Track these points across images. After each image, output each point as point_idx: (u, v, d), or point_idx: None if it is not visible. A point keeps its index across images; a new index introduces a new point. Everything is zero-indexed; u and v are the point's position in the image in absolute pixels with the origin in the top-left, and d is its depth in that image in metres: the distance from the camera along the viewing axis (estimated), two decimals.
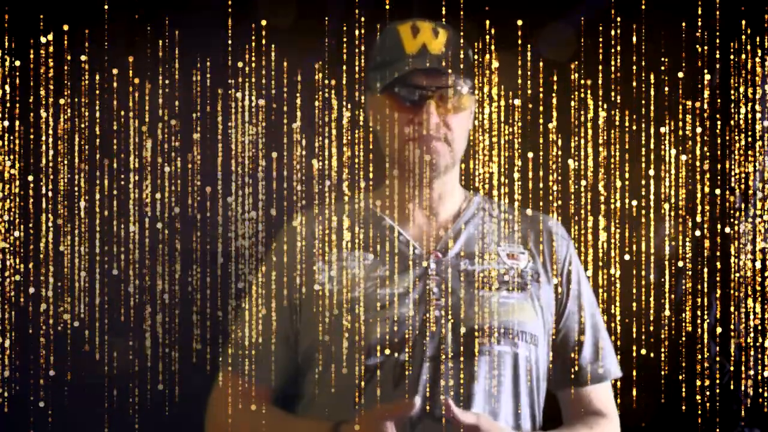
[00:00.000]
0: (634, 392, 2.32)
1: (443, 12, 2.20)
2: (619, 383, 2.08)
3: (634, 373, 2.32)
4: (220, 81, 2.38)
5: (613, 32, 2.40)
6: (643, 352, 2.38)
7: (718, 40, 2.38)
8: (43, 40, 2.33)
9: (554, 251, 1.97)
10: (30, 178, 2.39)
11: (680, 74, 2.39)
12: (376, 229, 1.95)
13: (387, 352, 1.83)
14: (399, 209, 1.97)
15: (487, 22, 2.18)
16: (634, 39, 2.36)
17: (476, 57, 2.05)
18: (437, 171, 1.91)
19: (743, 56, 2.39)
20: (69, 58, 2.35)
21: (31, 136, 2.38)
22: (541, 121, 2.42)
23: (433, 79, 1.89)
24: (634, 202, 2.40)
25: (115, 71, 2.36)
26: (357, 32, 2.29)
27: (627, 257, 2.41)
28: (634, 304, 2.42)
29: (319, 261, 1.93)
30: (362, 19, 2.37)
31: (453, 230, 1.96)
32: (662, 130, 2.40)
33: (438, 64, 1.89)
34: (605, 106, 2.40)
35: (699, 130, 2.41)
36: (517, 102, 2.28)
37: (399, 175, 1.95)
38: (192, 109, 2.41)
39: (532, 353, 1.89)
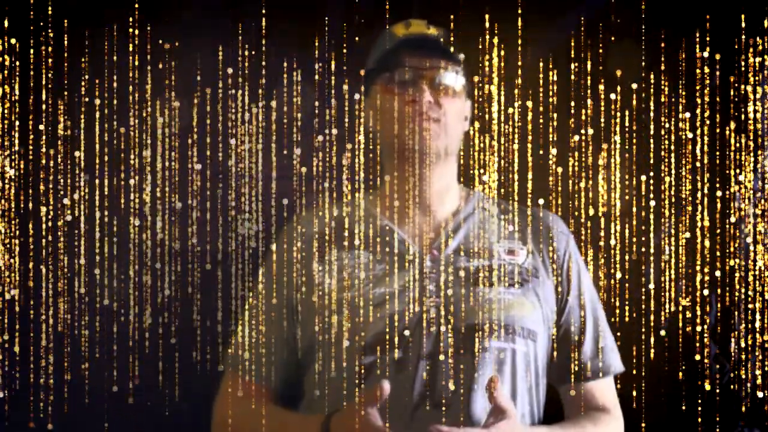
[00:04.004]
0: (634, 392, 2.32)
1: (443, 12, 2.20)
2: (619, 383, 2.08)
3: (634, 372, 2.33)
4: (220, 81, 2.38)
5: (612, 32, 2.41)
6: (644, 351, 2.38)
7: (718, 39, 2.39)
8: (42, 38, 2.33)
9: (554, 247, 1.98)
10: (30, 178, 2.39)
11: (680, 74, 2.40)
12: (374, 229, 1.96)
13: (384, 350, 1.84)
14: (396, 208, 1.98)
15: (487, 23, 2.18)
16: (634, 38, 2.37)
17: (478, 58, 2.06)
18: (434, 153, 1.92)
19: (743, 56, 2.39)
20: (67, 56, 2.35)
21: (31, 137, 2.38)
22: (541, 120, 2.42)
23: (423, 59, 1.93)
24: (634, 202, 2.40)
25: (115, 71, 2.36)
26: (356, 32, 2.30)
27: (627, 257, 2.41)
28: (634, 304, 2.42)
29: (318, 261, 1.94)
30: (362, 20, 2.37)
31: (451, 228, 1.96)
32: (662, 129, 2.40)
33: (427, 41, 1.95)
34: (604, 106, 2.41)
35: (699, 129, 2.41)
36: (517, 103, 2.28)
37: (398, 166, 1.95)
38: (191, 108, 2.41)
39: (531, 349, 1.89)
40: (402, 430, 1.79)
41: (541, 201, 2.23)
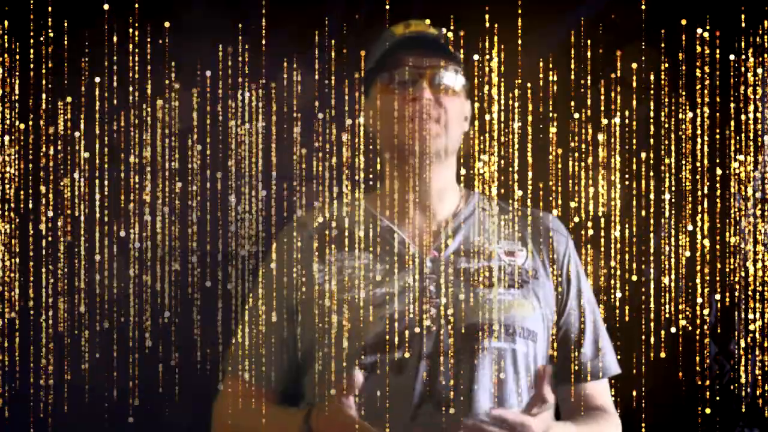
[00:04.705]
0: (634, 392, 2.32)
1: (443, 12, 2.20)
2: (619, 384, 2.08)
3: (634, 373, 2.33)
4: (220, 81, 2.38)
5: (612, 32, 2.41)
6: (644, 352, 2.38)
7: (718, 40, 2.39)
8: (42, 39, 2.33)
9: (553, 249, 1.97)
10: (30, 178, 2.39)
11: (680, 74, 2.40)
12: (374, 229, 1.96)
13: (384, 351, 1.84)
14: (396, 209, 1.97)
15: (487, 23, 2.18)
16: (634, 38, 2.37)
17: (478, 59, 2.06)
18: (434, 153, 1.92)
19: (743, 56, 2.39)
20: (67, 55, 2.35)
21: (31, 137, 2.38)
22: (540, 119, 2.42)
23: (423, 58, 1.92)
24: (635, 202, 2.40)
25: (115, 70, 2.36)
26: (356, 32, 2.30)
27: (627, 257, 2.41)
28: (634, 305, 2.42)
29: (317, 262, 1.94)
30: (362, 20, 2.37)
31: (450, 228, 1.96)
32: (662, 129, 2.40)
33: (427, 41, 1.94)
34: (604, 106, 2.41)
35: (699, 130, 2.41)
36: (517, 103, 2.28)
37: (398, 164, 1.95)
38: (191, 109, 2.41)
39: (531, 349, 1.89)
40: (402, 430, 1.79)
41: (540, 184, 2.23)
